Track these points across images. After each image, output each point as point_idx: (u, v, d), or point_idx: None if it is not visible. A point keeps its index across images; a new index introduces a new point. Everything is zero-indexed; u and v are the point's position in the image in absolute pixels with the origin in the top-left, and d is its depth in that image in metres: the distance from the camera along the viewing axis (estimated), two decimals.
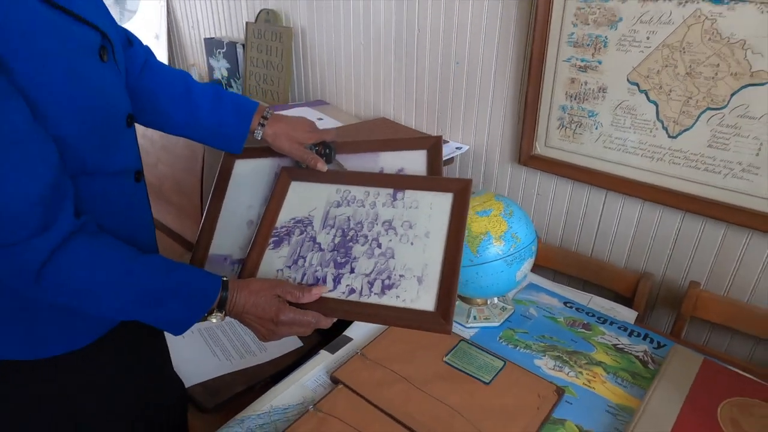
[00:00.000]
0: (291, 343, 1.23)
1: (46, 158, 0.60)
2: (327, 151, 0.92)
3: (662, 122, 1.09)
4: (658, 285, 1.25)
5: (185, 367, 1.11)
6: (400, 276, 0.77)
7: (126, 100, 0.74)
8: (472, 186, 0.83)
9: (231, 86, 2.05)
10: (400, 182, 0.87)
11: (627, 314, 1.16)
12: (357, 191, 0.88)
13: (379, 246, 0.81)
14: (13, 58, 0.55)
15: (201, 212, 1.67)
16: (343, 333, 1.06)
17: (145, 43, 0.89)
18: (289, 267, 0.83)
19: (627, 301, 1.23)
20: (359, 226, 0.84)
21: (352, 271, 0.80)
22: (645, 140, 1.13)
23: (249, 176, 0.96)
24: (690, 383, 0.93)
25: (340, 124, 1.56)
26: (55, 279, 0.61)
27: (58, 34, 0.59)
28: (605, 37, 1.10)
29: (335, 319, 0.77)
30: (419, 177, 0.88)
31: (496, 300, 1.12)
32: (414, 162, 0.92)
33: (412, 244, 0.80)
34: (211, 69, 2.12)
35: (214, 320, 0.72)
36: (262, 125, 0.89)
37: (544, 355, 1.01)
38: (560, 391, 0.92)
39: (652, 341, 1.06)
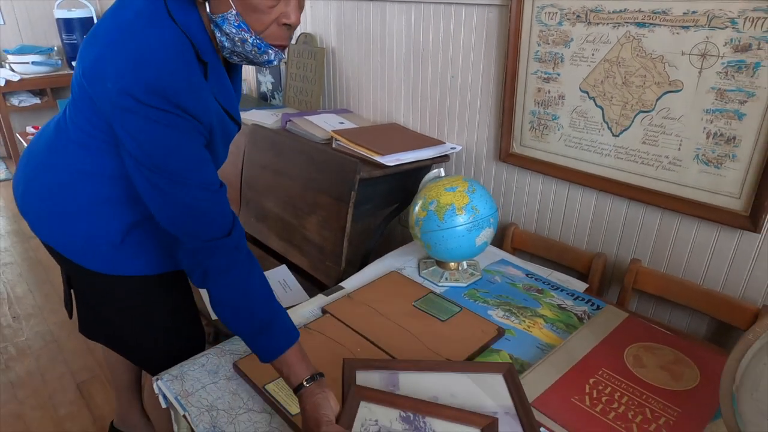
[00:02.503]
0: (300, 297, 1.51)
1: None
2: None
3: (607, 123, 1.32)
4: (612, 264, 1.45)
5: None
6: None
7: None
8: None
9: (274, 98, 2.41)
10: None
11: (579, 286, 1.36)
12: None
13: None
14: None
15: (239, 197, 2.01)
16: (338, 284, 1.33)
17: None
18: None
19: (586, 278, 1.43)
20: None
21: None
22: (595, 139, 1.36)
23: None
24: (610, 331, 1.13)
25: (357, 126, 1.86)
26: (202, 281, 0.89)
27: (222, 126, 0.96)
28: (561, 54, 1.35)
29: None
30: None
31: (465, 265, 1.36)
32: None
33: None
34: (258, 83, 2.49)
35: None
36: None
37: (497, 308, 1.24)
38: (501, 331, 1.15)
39: (593, 305, 1.26)
